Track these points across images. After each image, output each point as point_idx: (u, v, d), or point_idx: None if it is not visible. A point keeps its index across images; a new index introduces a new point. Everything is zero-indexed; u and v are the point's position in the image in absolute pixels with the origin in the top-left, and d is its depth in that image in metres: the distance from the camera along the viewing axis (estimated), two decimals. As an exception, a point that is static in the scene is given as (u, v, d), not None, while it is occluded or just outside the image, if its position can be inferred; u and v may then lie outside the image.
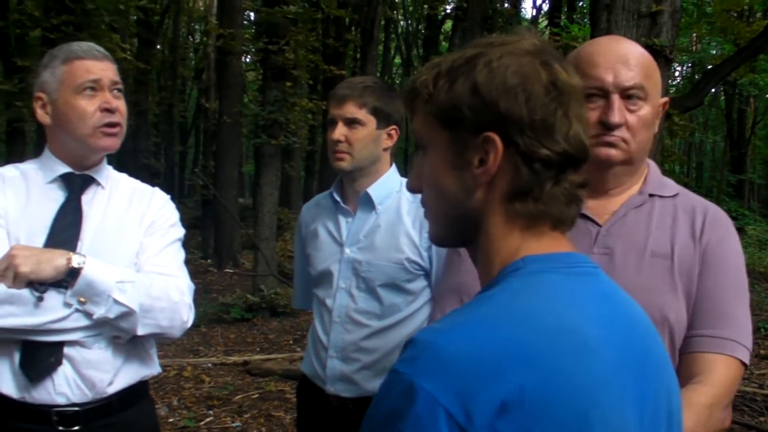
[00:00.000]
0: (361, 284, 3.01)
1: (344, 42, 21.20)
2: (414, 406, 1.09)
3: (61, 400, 2.45)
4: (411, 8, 31.29)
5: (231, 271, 16.40)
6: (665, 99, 2.15)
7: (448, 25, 26.28)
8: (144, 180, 2.88)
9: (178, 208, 2.88)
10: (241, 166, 31.93)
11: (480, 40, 1.36)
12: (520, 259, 1.27)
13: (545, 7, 27.89)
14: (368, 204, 3.06)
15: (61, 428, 2.46)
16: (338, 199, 3.10)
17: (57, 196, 2.61)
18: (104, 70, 2.57)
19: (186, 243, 2.84)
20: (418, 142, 1.40)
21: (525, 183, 1.26)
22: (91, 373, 2.47)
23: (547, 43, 1.32)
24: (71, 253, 2.39)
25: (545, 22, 26.46)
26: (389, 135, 3.03)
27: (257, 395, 7.61)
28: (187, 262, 2.79)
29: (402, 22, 32.79)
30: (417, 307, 3.00)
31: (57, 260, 2.35)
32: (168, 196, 2.85)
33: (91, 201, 2.64)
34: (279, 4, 12.57)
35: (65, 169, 2.62)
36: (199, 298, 12.55)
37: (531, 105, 1.23)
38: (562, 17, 20.75)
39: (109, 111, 2.54)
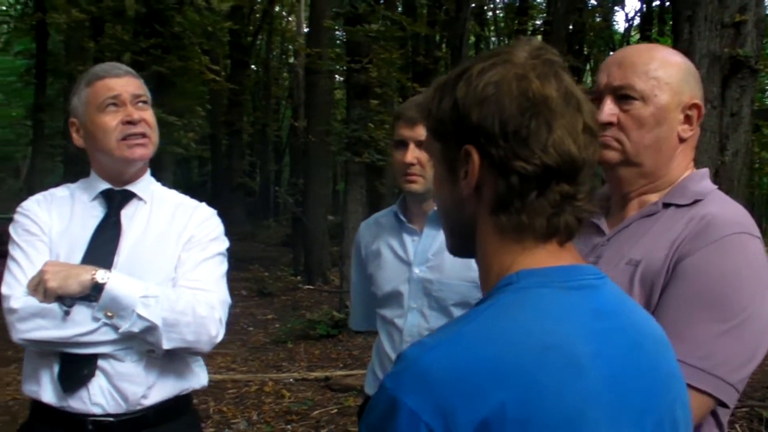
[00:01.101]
0: (433, 304, 2.95)
1: (434, 59, 21.20)
2: (397, 421, 1.12)
3: (96, 410, 2.53)
4: (503, 24, 31.17)
5: (311, 287, 16.53)
6: (693, 102, 2.06)
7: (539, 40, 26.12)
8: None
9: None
10: (335, 184, 32.20)
11: (480, 54, 1.39)
12: (514, 273, 1.28)
13: (637, 20, 27.48)
14: (436, 222, 2.99)
15: None
16: (403, 218, 3.06)
17: (98, 213, 2.70)
18: (125, 85, 2.65)
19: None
20: None
21: (504, 195, 1.27)
22: (124, 386, 2.54)
23: (543, 52, 1.31)
24: (97, 269, 2.47)
25: (637, 36, 26.07)
26: None
27: (336, 410, 7.65)
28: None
29: (493, 39, 32.71)
30: None
31: (82, 276, 2.43)
32: (213, 211, 2.89)
33: (131, 216, 2.72)
34: (361, 23, 12.66)
35: (105, 185, 2.72)
36: (286, 315, 12.77)
37: (502, 117, 1.24)
38: (653, 30, 20.41)
39: (131, 123, 2.61)
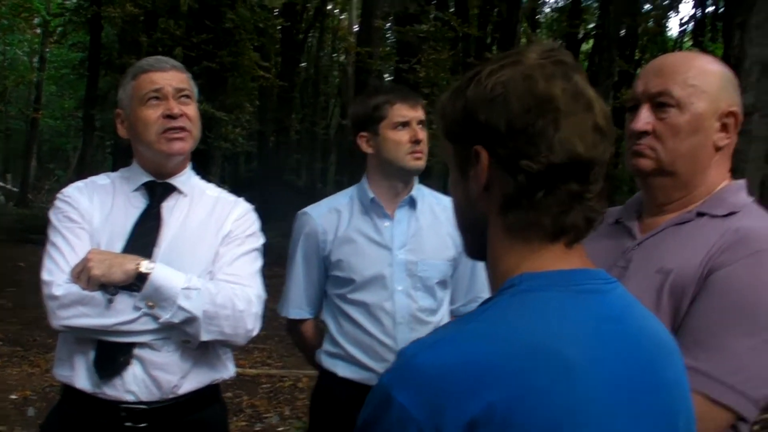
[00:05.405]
0: (417, 284, 3.12)
1: (485, 61, 21.12)
2: (389, 416, 1.15)
3: (129, 398, 2.56)
4: (555, 26, 31.01)
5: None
6: (730, 109, 2.03)
7: (590, 44, 25.99)
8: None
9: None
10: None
11: (492, 56, 1.40)
12: (517, 275, 1.28)
13: (691, 26, 27.22)
14: (410, 206, 3.21)
15: (128, 424, 2.58)
16: (380, 204, 3.19)
17: (139, 204, 2.74)
18: (168, 79, 2.69)
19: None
20: None
21: (512, 194, 1.27)
22: (159, 374, 2.58)
23: (554, 53, 1.31)
24: (141, 259, 2.51)
25: (690, 42, 25.81)
26: None
27: (370, 408, 7.63)
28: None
29: (545, 41, 32.55)
30: (448, 297, 3.24)
31: (127, 265, 2.48)
32: (250, 207, 2.92)
33: (172, 208, 2.76)
34: (411, 23, 12.69)
35: (147, 177, 2.76)
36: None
37: (509, 116, 1.25)
38: (707, 36, 20.19)
39: (171, 117, 2.65)
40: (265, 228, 2.94)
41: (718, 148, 2.05)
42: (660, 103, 2.02)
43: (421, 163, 3.11)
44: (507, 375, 1.13)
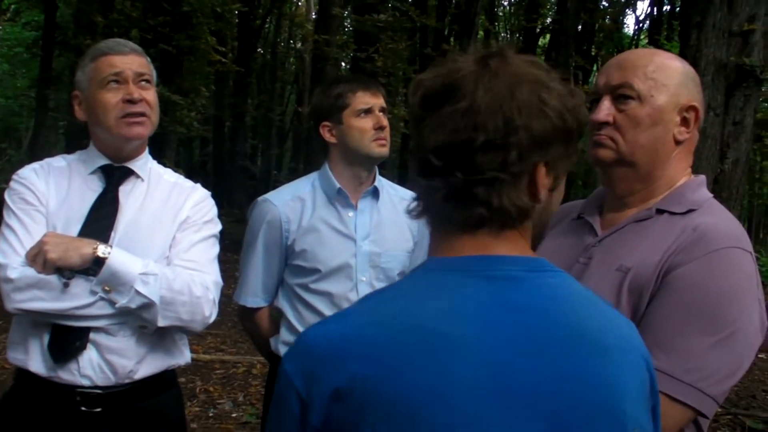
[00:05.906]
0: (380, 275, 3.15)
1: (442, 52, 21.14)
2: (280, 383, 1.29)
3: (85, 382, 2.55)
4: (513, 19, 31.11)
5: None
6: (690, 104, 2.07)
7: (547, 38, 26.13)
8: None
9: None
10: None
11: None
12: (430, 258, 1.36)
13: (647, 24, 27.50)
14: (372, 196, 3.23)
15: (83, 408, 2.56)
16: (347, 193, 3.19)
17: (96, 187, 2.72)
18: (129, 63, 2.66)
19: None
20: None
21: (414, 181, 1.37)
22: (114, 359, 2.57)
23: (491, 59, 1.32)
24: (98, 243, 2.49)
25: (646, 40, 26.09)
26: None
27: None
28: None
29: (503, 34, 32.65)
30: None
31: (84, 249, 2.46)
32: (208, 193, 2.92)
33: (129, 193, 2.74)
34: (370, 12, 12.67)
35: (105, 161, 2.73)
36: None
37: (411, 112, 1.36)
38: (662, 35, 20.39)
39: (131, 102, 2.63)
40: (220, 213, 2.93)
41: (678, 142, 2.09)
42: (621, 95, 2.06)
43: (385, 150, 3.13)
44: (375, 350, 1.21)
